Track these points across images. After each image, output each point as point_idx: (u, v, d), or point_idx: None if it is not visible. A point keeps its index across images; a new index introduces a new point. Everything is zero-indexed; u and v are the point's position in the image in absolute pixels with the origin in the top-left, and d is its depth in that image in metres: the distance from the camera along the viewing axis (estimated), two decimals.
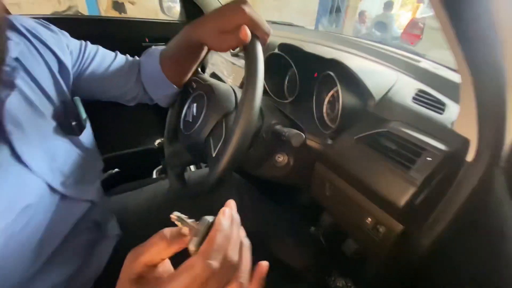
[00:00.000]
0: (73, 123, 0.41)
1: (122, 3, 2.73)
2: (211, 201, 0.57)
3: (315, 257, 0.73)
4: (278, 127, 0.50)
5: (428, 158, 0.36)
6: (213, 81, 0.55)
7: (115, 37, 1.29)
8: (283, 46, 0.66)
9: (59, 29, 0.47)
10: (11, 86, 0.34)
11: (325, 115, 0.57)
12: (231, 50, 0.79)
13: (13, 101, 0.34)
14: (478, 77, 0.31)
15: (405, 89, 0.49)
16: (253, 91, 0.36)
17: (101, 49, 0.54)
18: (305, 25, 4.38)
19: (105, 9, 2.68)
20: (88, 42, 0.53)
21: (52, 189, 0.37)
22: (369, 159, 0.43)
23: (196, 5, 1.31)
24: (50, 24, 0.46)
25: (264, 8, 4.55)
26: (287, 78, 0.71)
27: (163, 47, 0.56)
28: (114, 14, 2.69)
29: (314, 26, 4.37)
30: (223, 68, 0.89)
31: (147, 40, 1.33)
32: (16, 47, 0.37)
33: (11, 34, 0.37)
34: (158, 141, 1.06)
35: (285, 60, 0.64)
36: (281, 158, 0.56)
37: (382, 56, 0.67)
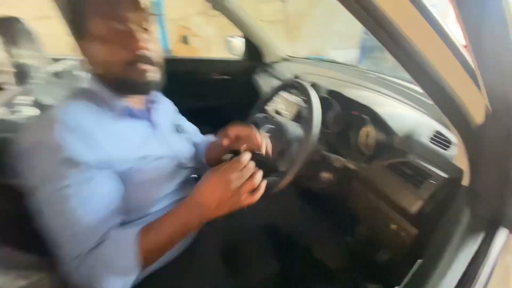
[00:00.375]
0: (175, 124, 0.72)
1: (187, 36, 3.27)
2: (274, 202, 0.79)
3: (349, 262, 0.88)
4: (325, 152, 0.71)
5: (432, 181, 0.53)
6: (280, 118, 0.79)
7: (192, 71, 1.65)
8: (330, 91, 0.88)
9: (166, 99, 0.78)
10: (158, 102, 0.65)
11: (361, 145, 0.76)
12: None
13: (155, 111, 0.64)
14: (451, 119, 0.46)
15: (424, 129, 0.66)
16: (311, 131, 0.58)
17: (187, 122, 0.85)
18: (349, 48, 4.46)
19: (174, 41, 3.24)
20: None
21: (170, 158, 0.63)
22: (392, 180, 0.61)
23: (256, 47, 1.61)
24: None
25: (308, 33, 4.81)
26: (333, 113, 0.91)
27: (213, 137, 0.83)
28: (181, 45, 3.22)
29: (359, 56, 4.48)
30: (278, 103, 1.13)
31: (215, 74, 1.66)
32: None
33: None
34: (225, 156, 1.33)
35: (331, 101, 0.85)
36: (326, 175, 0.77)
37: (410, 97, 0.84)
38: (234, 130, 0.67)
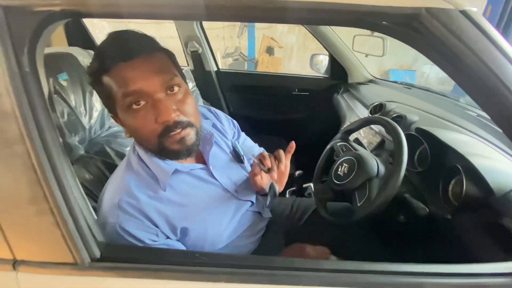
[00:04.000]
0: (237, 155, 0.74)
1: (273, 48, 3.49)
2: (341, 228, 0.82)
3: None
4: (407, 195, 0.71)
5: None
6: (362, 151, 0.82)
7: (274, 87, 1.78)
8: (419, 130, 0.85)
9: (225, 115, 0.79)
10: (211, 144, 0.63)
11: (449, 193, 0.72)
12: None
13: (213, 149, 0.63)
14: None
15: None
16: (397, 178, 0.60)
17: (245, 137, 0.86)
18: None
19: (259, 51, 3.51)
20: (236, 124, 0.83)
21: (231, 194, 0.66)
22: (481, 241, 0.58)
23: (341, 65, 1.62)
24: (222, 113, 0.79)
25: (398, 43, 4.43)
26: (418, 151, 0.88)
27: None
28: (266, 55, 3.46)
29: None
30: (361, 131, 1.14)
31: (296, 90, 1.75)
32: (212, 119, 0.72)
33: (209, 114, 0.74)
34: (298, 172, 1.40)
35: (419, 139, 0.83)
36: (402, 217, 0.76)
37: None
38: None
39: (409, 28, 0.35)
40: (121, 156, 0.80)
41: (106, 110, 0.77)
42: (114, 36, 0.50)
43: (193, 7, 0.34)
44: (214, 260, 0.40)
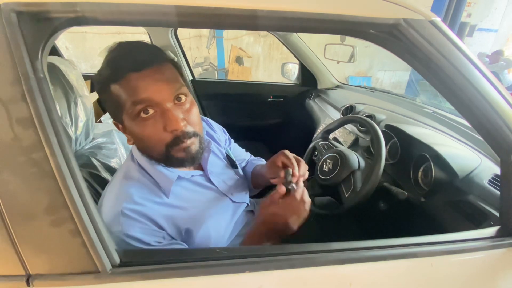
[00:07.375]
0: (230, 161, 0.77)
1: (242, 58, 3.58)
2: (327, 220, 0.88)
3: None
4: (386, 184, 0.79)
5: (491, 222, 0.59)
6: (342, 148, 0.90)
7: (249, 94, 1.83)
8: (388, 126, 0.96)
9: (216, 124, 0.82)
10: (209, 151, 0.66)
11: (419, 179, 0.82)
12: None
13: (209, 156, 0.67)
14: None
15: (484, 172, 0.71)
16: (379, 168, 0.68)
17: (234, 144, 0.88)
18: (397, 70, 4.38)
19: (229, 61, 3.57)
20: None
21: (228, 197, 0.68)
22: (452, 217, 0.68)
23: (310, 73, 1.74)
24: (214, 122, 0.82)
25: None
26: (389, 144, 0.99)
27: (262, 161, 0.89)
28: (236, 65, 3.54)
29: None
30: (336, 131, 1.23)
31: (271, 97, 1.83)
32: (205, 128, 0.74)
33: (203, 124, 0.67)
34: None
35: (388, 134, 0.93)
36: (383, 205, 0.84)
37: (471, 138, 0.88)
38: (282, 159, 0.68)
39: (390, 36, 0.42)
40: (107, 168, 0.77)
41: (90, 120, 0.74)
42: (125, 46, 0.51)
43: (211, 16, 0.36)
44: (235, 253, 0.41)
